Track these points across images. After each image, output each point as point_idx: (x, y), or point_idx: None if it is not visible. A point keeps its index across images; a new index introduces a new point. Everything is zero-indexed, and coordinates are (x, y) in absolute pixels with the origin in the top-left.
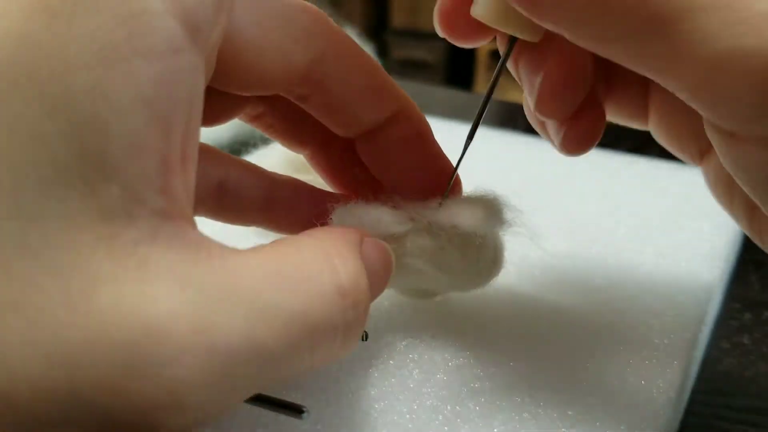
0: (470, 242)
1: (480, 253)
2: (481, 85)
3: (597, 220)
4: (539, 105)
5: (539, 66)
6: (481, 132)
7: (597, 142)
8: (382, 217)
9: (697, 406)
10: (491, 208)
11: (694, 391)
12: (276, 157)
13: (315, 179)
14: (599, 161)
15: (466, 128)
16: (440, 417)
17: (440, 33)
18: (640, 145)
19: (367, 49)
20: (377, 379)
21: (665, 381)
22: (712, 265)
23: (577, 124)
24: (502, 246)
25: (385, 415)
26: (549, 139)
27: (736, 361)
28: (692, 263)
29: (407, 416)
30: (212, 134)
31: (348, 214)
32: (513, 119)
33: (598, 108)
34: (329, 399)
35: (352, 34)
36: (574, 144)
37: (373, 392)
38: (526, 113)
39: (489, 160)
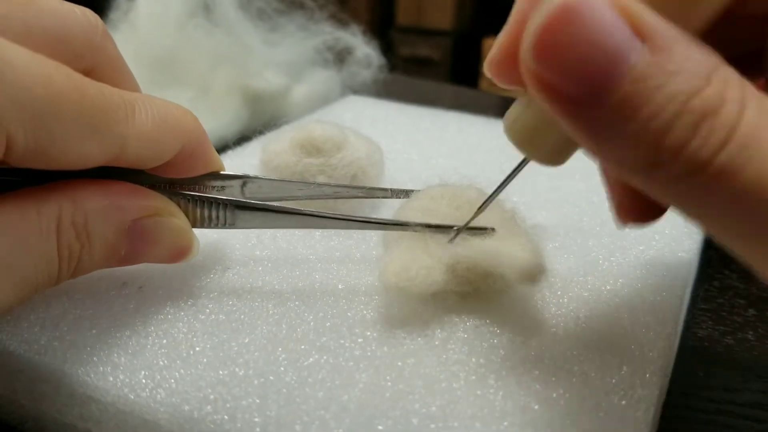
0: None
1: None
2: (486, 81)
3: (585, 197)
4: (617, 217)
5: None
6: (476, 121)
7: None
8: None
9: (701, 402)
10: (537, 257)
11: (698, 387)
12: (285, 141)
13: (326, 161)
14: None
15: (474, 120)
16: (467, 368)
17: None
18: None
19: (373, 46)
20: (404, 339)
21: (664, 334)
22: (693, 230)
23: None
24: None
25: (417, 368)
26: None
27: (740, 357)
28: (674, 230)
29: (437, 368)
30: (219, 130)
31: None
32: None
33: None
34: (359, 357)
35: (357, 31)
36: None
37: (402, 350)
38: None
39: (482, 147)
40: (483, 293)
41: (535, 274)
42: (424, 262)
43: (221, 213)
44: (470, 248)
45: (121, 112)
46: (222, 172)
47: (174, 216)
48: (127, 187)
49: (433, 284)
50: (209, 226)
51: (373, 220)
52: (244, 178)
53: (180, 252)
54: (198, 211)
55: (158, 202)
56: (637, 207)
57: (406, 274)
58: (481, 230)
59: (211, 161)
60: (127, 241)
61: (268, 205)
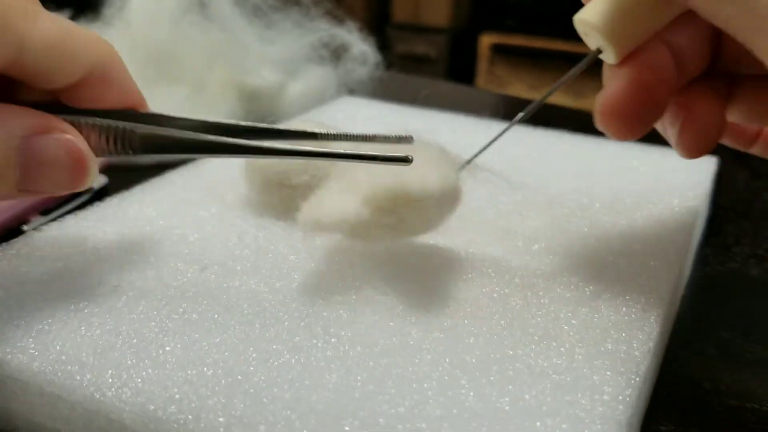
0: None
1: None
2: (482, 78)
3: (574, 197)
4: (600, 116)
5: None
6: (468, 122)
7: (714, 145)
8: None
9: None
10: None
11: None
12: None
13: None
14: (574, 144)
15: (467, 121)
16: (440, 368)
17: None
18: None
19: (369, 43)
20: (379, 338)
21: (644, 334)
22: (682, 234)
23: (690, 126)
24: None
25: (389, 368)
26: (671, 142)
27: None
28: (663, 233)
29: (410, 369)
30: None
31: None
32: (506, 111)
33: (712, 113)
34: (331, 357)
35: (354, 28)
36: (690, 145)
37: (376, 350)
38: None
39: (473, 148)
40: (410, 225)
41: (446, 194)
42: (339, 195)
43: (121, 142)
44: (384, 177)
45: (22, 9)
46: (141, 111)
47: (67, 132)
48: (14, 106)
49: (349, 215)
50: (111, 154)
51: (297, 151)
52: (164, 117)
53: (79, 170)
54: (97, 137)
55: (49, 120)
56: (695, 139)
57: (319, 209)
58: (401, 160)
59: (128, 94)
60: (19, 163)
61: (173, 131)
